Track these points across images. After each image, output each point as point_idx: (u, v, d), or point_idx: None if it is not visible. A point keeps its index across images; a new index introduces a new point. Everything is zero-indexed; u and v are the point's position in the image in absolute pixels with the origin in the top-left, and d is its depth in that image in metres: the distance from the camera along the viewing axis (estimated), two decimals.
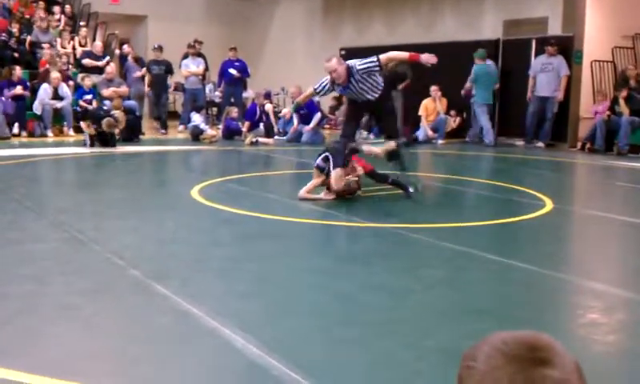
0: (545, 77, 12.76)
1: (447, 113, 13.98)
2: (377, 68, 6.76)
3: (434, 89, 13.62)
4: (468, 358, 0.91)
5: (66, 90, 13.21)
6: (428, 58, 6.72)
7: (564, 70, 12.59)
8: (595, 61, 13.09)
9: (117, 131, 11.46)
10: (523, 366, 0.85)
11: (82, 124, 11.43)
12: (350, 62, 6.84)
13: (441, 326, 3.34)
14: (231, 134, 13.15)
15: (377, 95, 6.89)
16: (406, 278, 4.15)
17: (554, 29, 13.34)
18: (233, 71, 14.82)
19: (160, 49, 14.76)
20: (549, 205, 6.56)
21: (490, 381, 0.86)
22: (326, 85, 6.98)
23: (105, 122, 10.74)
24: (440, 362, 2.89)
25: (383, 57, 6.75)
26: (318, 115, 13.34)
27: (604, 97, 12.48)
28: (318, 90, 7.11)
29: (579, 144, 12.60)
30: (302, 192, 6.58)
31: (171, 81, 15.25)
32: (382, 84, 6.90)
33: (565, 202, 7.26)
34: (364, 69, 6.74)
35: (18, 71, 13.08)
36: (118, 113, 11.72)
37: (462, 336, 3.12)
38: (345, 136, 7.22)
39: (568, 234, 6.05)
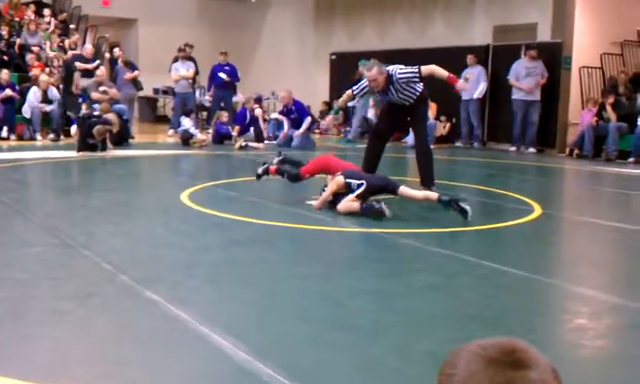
0: (530, 81, 12.90)
1: (437, 118, 14.03)
2: (416, 78, 6.94)
3: None
4: (447, 366, 0.93)
5: (55, 92, 13.17)
6: (462, 86, 6.94)
7: (546, 73, 12.88)
8: (584, 67, 13.19)
9: (114, 131, 11.52)
10: (502, 368, 0.88)
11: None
12: (390, 69, 6.99)
13: (430, 331, 3.35)
14: (221, 138, 13.14)
15: (413, 100, 7.11)
16: (395, 282, 4.16)
17: (543, 35, 13.43)
18: (223, 75, 14.80)
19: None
20: (537, 210, 6.60)
21: None
22: (365, 88, 7.16)
23: (96, 130, 10.69)
24: (429, 367, 2.90)
25: (425, 69, 6.93)
26: (309, 119, 13.35)
27: (594, 104, 12.54)
28: (355, 93, 7.28)
29: (567, 150, 12.68)
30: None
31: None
32: (420, 89, 7.08)
33: (553, 207, 7.30)
34: (404, 78, 6.93)
35: (4, 74, 12.97)
36: (111, 115, 11.69)
37: (452, 341, 3.12)
38: (374, 131, 7.65)
39: (556, 239, 6.08)
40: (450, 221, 6.18)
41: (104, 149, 10.93)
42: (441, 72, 7.00)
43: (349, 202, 6.17)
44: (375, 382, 2.76)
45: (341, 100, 7.62)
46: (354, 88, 7.25)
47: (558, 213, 7.05)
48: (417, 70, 6.91)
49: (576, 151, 12.29)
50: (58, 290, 3.82)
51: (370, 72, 6.96)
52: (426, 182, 7.42)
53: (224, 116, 13.45)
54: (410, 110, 7.29)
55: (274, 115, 14.56)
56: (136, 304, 3.62)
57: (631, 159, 11.59)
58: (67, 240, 4.98)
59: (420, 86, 7.13)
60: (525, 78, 12.93)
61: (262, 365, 2.80)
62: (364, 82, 7.12)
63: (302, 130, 13.11)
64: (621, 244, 5.70)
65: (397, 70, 7.01)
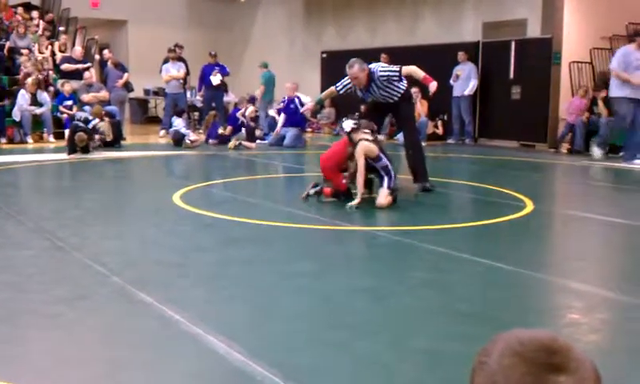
0: None
1: (428, 116, 14.04)
2: (396, 78, 7.00)
3: (414, 91, 13.66)
4: (483, 353, 0.90)
5: (45, 96, 13.10)
6: (434, 87, 6.98)
7: None
8: (574, 62, 13.22)
9: (108, 139, 11.87)
10: (536, 369, 0.84)
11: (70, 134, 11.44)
12: (372, 67, 7.03)
13: (424, 328, 3.35)
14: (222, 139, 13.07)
15: (397, 98, 7.14)
16: (390, 280, 4.16)
17: (533, 31, 13.46)
18: (215, 80, 14.68)
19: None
20: (529, 206, 6.61)
21: (500, 379, 0.85)
22: (347, 85, 7.21)
23: (77, 136, 10.69)
24: (424, 363, 2.90)
25: (405, 69, 7.06)
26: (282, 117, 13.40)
27: (584, 93, 12.53)
28: (339, 89, 7.31)
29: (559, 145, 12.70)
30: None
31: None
32: (404, 88, 7.10)
33: (545, 202, 7.32)
34: (384, 76, 7.00)
35: None
36: (104, 125, 11.77)
37: (446, 337, 3.13)
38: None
39: (549, 234, 6.10)
40: (442, 218, 6.19)
41: (86, 152, 10.88)
42: (418, 73, 7.10)
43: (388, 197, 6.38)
44: (370, 380, 2.76)
45: (324, 93, 7.78)
46: (338, 85, 7.29)
47: (549, 208, 7.07)
48: (397, 70, 7.04)
49: (567, 146, 12.31)
50: (49, 293, 3.80)
51: (352, 69, 6.99)
52: (420, 179, 7.43)
53: (217, 117, 13.53)
54: (395, 109, 7.31)
55: (272, 112, 14.57)
56: (129, 306, 3.61)
57: (622, 153, 11.60)
58: (59, 242, 4.95)
59: (403, 85, 7.15)
60: (635, 70, 10.46)
61: (256, 365, 2.79)
62: (346, 79, 7.14)
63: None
64: (612, 238, 5.72)
65: (378, 67, 7.08)
